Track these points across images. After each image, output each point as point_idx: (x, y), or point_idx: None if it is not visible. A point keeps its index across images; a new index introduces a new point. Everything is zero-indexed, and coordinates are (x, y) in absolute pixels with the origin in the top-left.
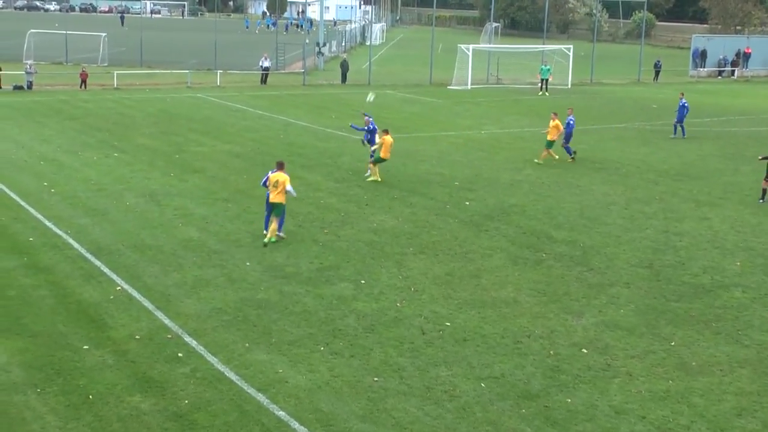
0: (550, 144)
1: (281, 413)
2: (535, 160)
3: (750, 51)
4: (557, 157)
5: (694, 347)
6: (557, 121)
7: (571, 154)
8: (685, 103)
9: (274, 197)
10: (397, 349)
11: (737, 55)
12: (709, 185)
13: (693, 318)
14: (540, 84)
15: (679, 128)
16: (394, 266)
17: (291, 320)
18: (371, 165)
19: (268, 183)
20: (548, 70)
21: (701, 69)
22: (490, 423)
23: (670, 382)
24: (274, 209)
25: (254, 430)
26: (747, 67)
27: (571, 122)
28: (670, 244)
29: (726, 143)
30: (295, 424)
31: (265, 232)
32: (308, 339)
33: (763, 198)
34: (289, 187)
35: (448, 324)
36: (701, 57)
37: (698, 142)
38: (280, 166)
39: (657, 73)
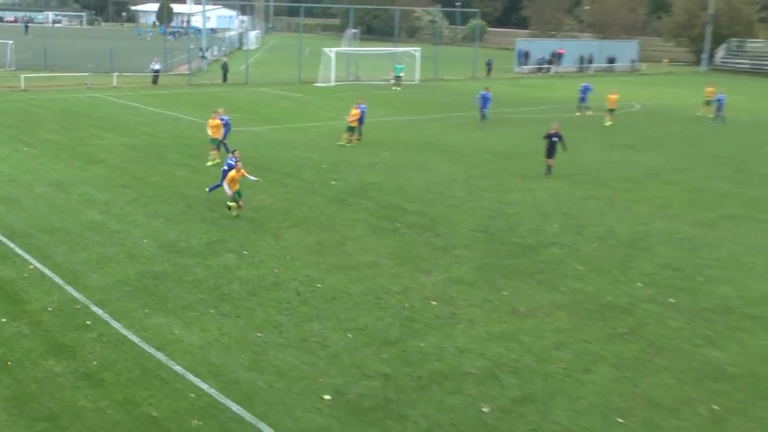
0: (350, 128)
1: (178, 368)
2: (340, 143)
3: (563, 51)
4: (358, 140)
5: (522, 295)
6: (356, 110)
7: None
8: (487, 94)
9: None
10: (276, 309)
11: (552, 54)
12: (532, 163)
13: (521, 271)
14: (394, 80)
15: (483, 115)
16: (272, 238)
17: (184, 288)
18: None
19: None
20: (401, 68)
21: (524, 67)
22: (357, 366)
23: (504, 324)
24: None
25: (155, 384)
26: (560, 65)
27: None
28: (502, 211)
29: (545, 128)
30: (190, 377)
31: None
32: (199, 303)
33: (548, 172)
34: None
35: (320, 285)
36: (524, 57)
37: (523, 128)
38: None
39: (489, 70)
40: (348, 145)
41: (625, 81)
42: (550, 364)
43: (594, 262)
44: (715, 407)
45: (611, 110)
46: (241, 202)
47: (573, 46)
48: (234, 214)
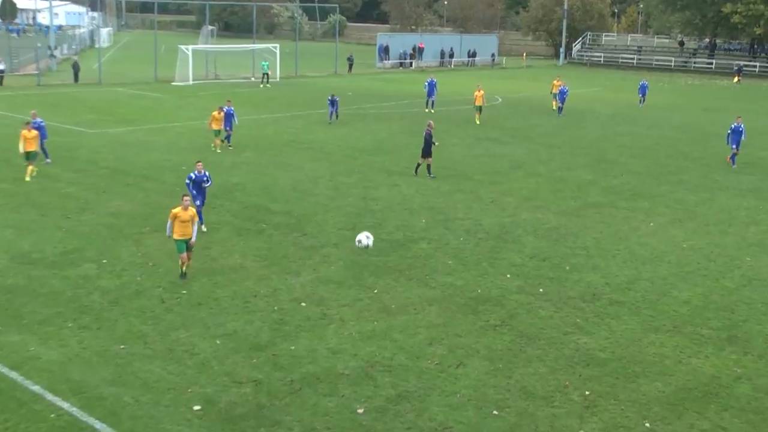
0: (216, 132)
1: (35, 387)
2: (213, 147)
3: (423, 46)
4: (228, 145)
5: (393, 292)
6: (220, 113)
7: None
8: (335, 98)
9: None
10: (139, 318)
11: (413, 49)
12: (397, 158)
13: (390, 268)
14: (262, 78)
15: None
16: (132, 245)
17: (40, 301)
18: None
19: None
20: (267, 65)
21: (386, 61)
22: (227, 374)
23: (375, 323)
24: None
25: (10, 406)
26: (421, 59)
27: (231, 112)
28: (369, 208)
29: (409, 122)
30: (49, 396)
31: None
32: (57, 317)
33: (416, 172)
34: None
35: (185, 292)
36: (385, 51)
37: (387, 122)
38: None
39: (350, 66)
40: (218, 151)
41: (486, 75)
42: (423, 361)
43: (463, 255)
44: (587, 392)
45: (479, 107)
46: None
47: (433, 41)
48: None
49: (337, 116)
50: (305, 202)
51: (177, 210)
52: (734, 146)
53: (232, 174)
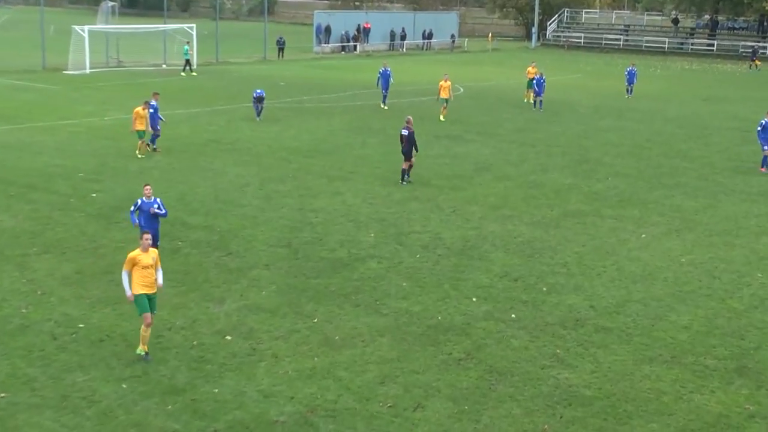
0: (141, 134)
1: None
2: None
3: (369, 26)
4: (153, 148)
5: (337, 321)
6: (145, 110)
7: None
8: (262, 93)
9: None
10: (25, 359)
11: (358, 30)
12: (340, 160)
13: (333, 293)
14: (184, 65)
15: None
16: (15, 269)
17: None
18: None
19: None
20: (188, 49)
21: (325, 45)
22: (135, 425)
23: (316, 359)
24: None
25: None
26: (368, 42)
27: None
28: (307, 220)
29: (353, 117)
30: None
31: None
32: None
33: (403, 179)
34: (123, 273)
35: (82, 325)
36: (324, 33)
37: (327, 118)
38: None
39: (281, 50)
40: (141, 156)
41: (445, 60)
42: (374, 403)
43: (420, 276)
44: None
45: (445, 100)
46: None
47: (382, 20)
48: None
49: (258, 114)
50: (230, 215)
51: (135, 253)
52: (767, 147)
53: (140, 182)
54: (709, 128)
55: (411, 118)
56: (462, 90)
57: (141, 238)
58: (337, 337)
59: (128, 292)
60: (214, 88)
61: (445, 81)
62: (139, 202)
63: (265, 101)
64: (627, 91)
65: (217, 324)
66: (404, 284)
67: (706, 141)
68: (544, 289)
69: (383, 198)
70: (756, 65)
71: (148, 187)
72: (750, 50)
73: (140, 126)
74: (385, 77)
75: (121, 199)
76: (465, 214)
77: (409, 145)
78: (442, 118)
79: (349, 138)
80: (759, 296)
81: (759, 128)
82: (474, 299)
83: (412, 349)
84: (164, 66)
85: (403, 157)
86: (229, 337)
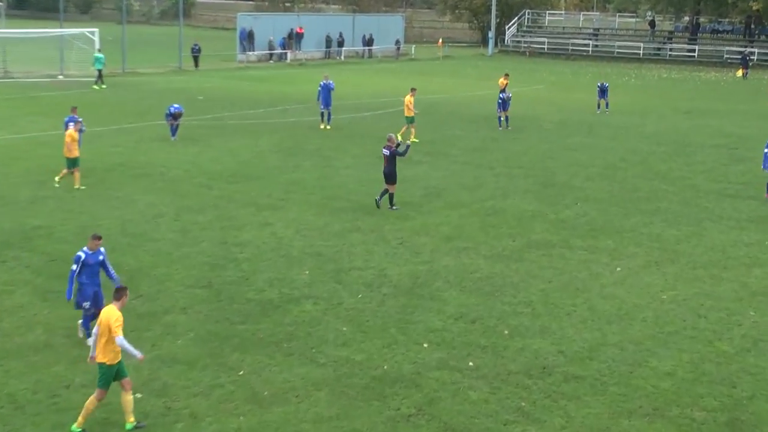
0: (71, 162)
1: None
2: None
3: (302, 31)
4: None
5: (266, 373)
6: (77, 130)
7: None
8: (179, 109)
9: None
10: None
11: (289, 35)
12: (269, 186)
13: (262, 340)
14: (97, 76)
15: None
16: None
17: None
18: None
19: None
20: (102, 59)
21: (251, 53)
22: None
23: (241, 418)
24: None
25: None
26: (300, 49)
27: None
28: (231, 257)
29: (284, 137)
30: None
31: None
32: None
33: (381, 200)
34: (120, 338)
35: None
36: (249, 39)
37: (254, 137)
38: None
39: (195, 59)
40: (58, 185)
41: (390, 69)
42: None
43: (362, 319)
44: None
45: (411, 119)
46: None
47: (316, 24)
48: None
49: (173, 134)
50: (140, 250)
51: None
52: None
53: (32, 213)
54: (691, 145)
55: (393, 136)
56: None
57: (120, 296)
58: (266, 393)
59: (138, 354)
60: (121, 103)
61: (410, 96)
62: (83, 256)
63: (181, 118)
64: (598, 106)
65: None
66: (344, 329)
67: (688, 160)
68: (506, 332)
69: (319, 229)
70: (745, 74)
71: (98, 241)
72: (739, 57)
73: (74, 152)
74: (326, 91)
75: (9, 234)
76: (414, 247)
77: (390, 166)
78: (414, 138)
79: (280, 160)
80: (751, 337)
81: (766, 149)
82: (425, 345)
83: (354, 405)
84: (60, 77)
85: (384, 179)
86: (139, 395)
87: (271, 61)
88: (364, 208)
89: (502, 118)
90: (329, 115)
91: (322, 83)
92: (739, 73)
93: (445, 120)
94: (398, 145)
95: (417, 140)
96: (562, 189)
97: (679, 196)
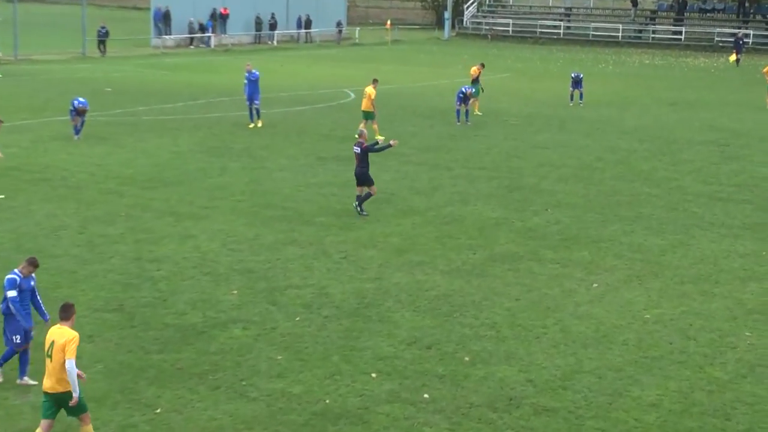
0: None
1: None
2: None
3: (227, 12)
4: None
5: (187, 411)
6: None
7: None
8: (83, 104)
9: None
10: None
11: (212, 16)
12: (191, 192)
13: (183, 371)
14: None
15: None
16: None
17: None
18: None
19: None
20: None
21: (167, 37)
22: None
23: None
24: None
25: None
26: (226, 32)
27: None
28: (146, 275)
29: (208, 135)
30: None
31: None
32: None
33: (360, 208)
34: (71, 363)
35: None
36: (165, 20)
37: (172, 136)
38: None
39: (102, 44)
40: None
41: (329, 56)
42: None
43: (300, 345)
44: None
45: (369, 115)
46: None
47: (244, 3)
48: None
49: (77, 132)
50: (39, 269)
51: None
52: None
53: None
54: (677, 142)
55: (365, 131)
56: (353, 96)
57: (70, 315)
58: None
59: (76, 393)
60: (13, 95)
61: (371, 88)
62: (18, 279)
63: (86, 114)
64: (571, 97)
65: (21, 421)
66: (279, 357)
67: (674, 159)
68: (467, 358)
69: (250, 242)
70: (738, 59)
71: (33, 267)
72: (731, 39)
73: None
74: (250, 83)
75: None
76: (360, 262)
77: (363, 165)
78: (378, 136)
79: (203, 162)
80: (747, 362)
81: None
82: (373, 375)
83: None
84: None
85: (356, 181)
86: None
87: (192, 47)
88: (301, 217)
89: (458, 112)
90: (257, 110)
91: (247, 74)
92: (732, 58)
93: (395, 114)
94: (375, 143)
95: (382, 137)
96: (530, 193)
97: (664, 200)
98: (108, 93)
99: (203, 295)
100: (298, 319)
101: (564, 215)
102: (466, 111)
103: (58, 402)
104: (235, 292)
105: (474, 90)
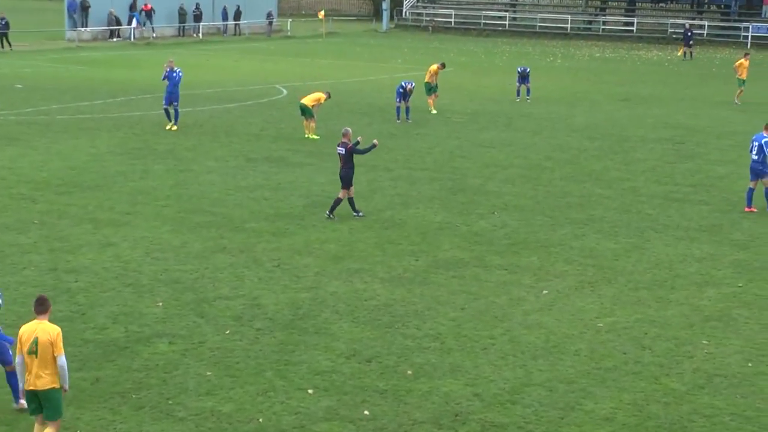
0: None
1: None
2: None
3: (150, 7)
4: None
5: None
6: None
7: None
8: (173, 73)
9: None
10: None
11: (133, 7)
12: (110, 197)
13: (104, 391)
14: None
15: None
16: None
17: None
18: None
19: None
20: None
21: (84, 29)
22: None
23: None
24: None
25: None
26: (148, 25)
27: None
28: (63, 287)
29: (129, 135)
30: None
31: None
32: None
33: (331, 212)
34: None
35: None
36: (81, 11)
37: (90, 136)
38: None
39: (2, 37)
40: None
41: (259, 49)
42: None
43: (231, 360)
44: None
45: (304, 111)
46: None
47: None
48: None
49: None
50: None
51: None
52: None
53: None
54: (630, 140)
55: (349, 130)
56: (285, 92)
57: (47, 308)
58: None
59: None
60: None
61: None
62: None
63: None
64: (518, 93)
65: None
66: (208, 374)
67: (627, 158)
68: (410, 372)
69: (175, 250)
70: (689, 53)
71: None
72: (682, 32)
73: None
74: (171, 83)
75: None
76: (294, 270)
77: (348, 167)
78: (311, 136)
79: (124, 165)
80: (705, 371)
81: (755, 148)
82: (310, 391)
83: None
84: None
85: (340, 183)
86: None
87: (113, 40)
88: (231, 223)
89: (398, 109)
90: (176, 112)
91: (168, 70)
92: (680, 51)
93: (330, 112)
94: (357, 143)
95: (317, 137)
96: (475, 195)
97: (617, 201)
98: (18, 90)
99: (125, 307)
100: (228, 332)
101: (511, 218)
102: (407, 108)
103: (43, 399)
104: (160, 304)
105: (430, 88)
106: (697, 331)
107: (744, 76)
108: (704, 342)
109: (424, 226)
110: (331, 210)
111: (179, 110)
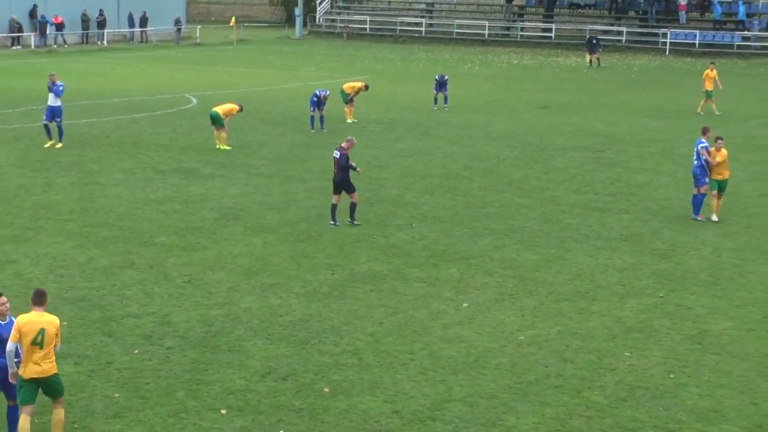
0: None
1: None
2: None
3: (59, 21)
4: None
5: None
6: None
7: None
8: None
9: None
10: None
11: (33, 14)
12: (10, 211)
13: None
14: None
15: None
16: None
17: None
18: None
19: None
20: None
21: None
22: None
23: None
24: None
25: None
26: (52, 33)
27: None
28: None
29: (30, 146)
30: None
31: None
32: None
33: (333, 220)
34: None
35: None
36: None
37: None
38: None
39: None
40: None
41: (167, 57)
42: None
43: (140, 381)
44: None
45: (220, 122)
46: None
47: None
48: None
49: None
50: None
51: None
52: (700, 182)
53: None
54: (549, 148)
55: (354, 139)
56: (195, 102)
57: (45, 300)
58: None
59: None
60: None
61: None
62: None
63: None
64: (435, 101)
65: None
66: (116, 395)
67: (546, 166)
68: (327, 390)
69: (80, 266)
70: (597, 60)
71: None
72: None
73: None
74: (52, 98)
75: None
76: (206, 286)
77: (342, 173)
78: (222, 146)
79: (25, 178)
80: (627, 384)
81: (695, 153)
82: (223, 411)
83: None
84: None
85: (333, 188)
86: None
87: (12, 48)
88: (139, 238)
89: (312, 118)
90: (60, 129)
91: (49, 84)
92: (587, 59)
93: (243, 122)
94: (353, 167)
95: (229, 147)
96: (392, 206)
97: (537, 211)
98: None
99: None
100: (137, 351)
101: (430, 230)
102: (321, 117)
103: (46, 386)
104: (65, 323)
105: (347, 96)
106: (619, 343)
107: (709, 87)
108: (626, 354)
109: (341, 239)
110: (332, 217)
111: (62, 126)
